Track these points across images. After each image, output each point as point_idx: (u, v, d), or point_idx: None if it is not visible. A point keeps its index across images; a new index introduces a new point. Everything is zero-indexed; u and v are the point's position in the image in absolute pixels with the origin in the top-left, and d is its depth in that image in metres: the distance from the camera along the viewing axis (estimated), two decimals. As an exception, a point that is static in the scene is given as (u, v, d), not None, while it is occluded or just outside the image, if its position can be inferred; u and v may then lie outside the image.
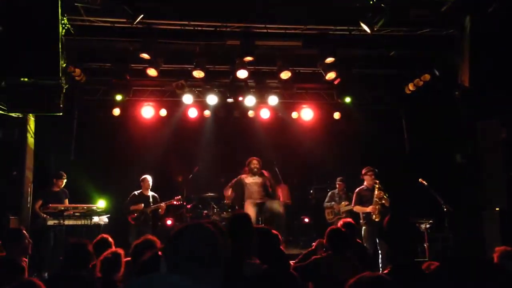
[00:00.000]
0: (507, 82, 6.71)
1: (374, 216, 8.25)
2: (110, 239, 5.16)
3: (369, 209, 8.38)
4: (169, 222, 10.22)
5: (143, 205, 9.03)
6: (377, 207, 8.28)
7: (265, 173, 9.17)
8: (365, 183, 8.69)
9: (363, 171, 8.71)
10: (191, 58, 8.82)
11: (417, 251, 2.97)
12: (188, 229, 1.93)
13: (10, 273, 3.71)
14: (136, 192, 9.20)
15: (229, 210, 10.12)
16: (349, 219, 6.04)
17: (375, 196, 8.34)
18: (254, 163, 9.10)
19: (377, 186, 8.41)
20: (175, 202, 9.45)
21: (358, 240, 6.29)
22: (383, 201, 8.28)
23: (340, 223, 5.95)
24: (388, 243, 2.88)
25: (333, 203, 9.64)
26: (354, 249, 5.36)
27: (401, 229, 2.86)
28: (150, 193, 9.27)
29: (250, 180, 9.02)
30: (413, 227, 3.00)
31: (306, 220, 10.96)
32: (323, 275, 4.12)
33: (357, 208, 8.66)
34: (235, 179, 9.23)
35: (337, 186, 9.79)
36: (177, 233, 1.92)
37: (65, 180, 8.87)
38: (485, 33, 6.87)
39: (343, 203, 9.52)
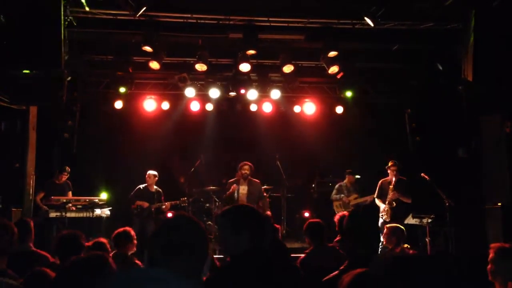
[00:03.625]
0: (511, 77, 6.69)
1: (384, 215, 8.32)
2: (132, 232, 5.17)
3: (382, 207, 8.50)
4: (169, 215, 10.23)
5: (147, 203, 9.02)
6: (386, 208, 8.36)
7: (256, 181, 8.76)
8: (389, 175, 8.73)
9: (389, 164, 8.71)
10: (193, 51, 8.80)
11: (369, 247, 3.12)
12: (167, 222, 1.95)
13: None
14: (141, 186, 9.18)
15: (231, 203, 10.12)
16: (344, 212, 6.02)
17: (388, 196, 8.39)
18: (245, 168, 8.63)
19: (391, 186, 8.45)
20: (182, 205, 9.48)
21: None
22: (394, 204, 8.34)
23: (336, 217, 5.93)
24: (348, 239, 2.98)
25: (342, 195, 9.61)
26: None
27: (356, 227, 2.97)
28: (155, 188, 9.27)
29: (240, 189, 8.59)
30: (368, 225, 3.10)
31: (307, 214, 10.93)
32: (314, 267, 4.12)
33: (377, 201, 8.74)
34: (230, 191, 8.74)
35: (346, 178, 9.78)
36: (158, 227, 1.94)
37: (67, 175, 8.88)
38: (489, 28, 6.84)
39: (352, 195, 9.51)
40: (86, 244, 4.32)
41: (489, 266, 3.33)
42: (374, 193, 8.90)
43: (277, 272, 3.05)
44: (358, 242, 2.90)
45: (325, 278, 2.87)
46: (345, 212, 6.04)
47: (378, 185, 8.80)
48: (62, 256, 3.97)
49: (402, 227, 6.00)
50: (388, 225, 6.11)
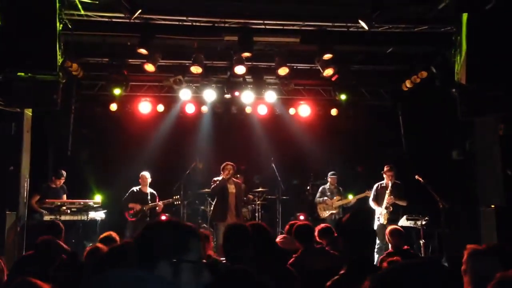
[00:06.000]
0: (504, 79, 6.72)
1: (382, 219, 8.48)
2: (117, 237, 5.15)
3: (378, 210, 8.71)
4: (163, 217, 10.20)
5: (140, 205, 9.03)
6: (384, 212, 8.55)
7: (238, 181, 8.89)
8: (384, 180, 8.92)
9: (384, 169, 8.93)
10: (189, 53, 8.82)
11: (370, 248, 3.13)
12: (150, 225, 1.96)
13: None
14: (135, 189, 9.20)
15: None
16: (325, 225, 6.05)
17: (385, 200, 8.53)
18: (228, 168, 8.66)
19: (388, 191, 8.56)
20: (176, 203, 9.48)
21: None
22: (391, 209, 8.54)
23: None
24: (346, 242, 3.00)
25: (325, 198, 9.69)
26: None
27: (357, 227, 2.98)
28: (149, 190, 9.28)
29: (229, 189, 8.68)
30: (369, 227, 3.13)
31: (302, 217, 10.90)
32: (303, 271, 4.13)
33: (372, 204, 8.97)
34: (218, 182, 8.72)
35: (329, 180, 9.85)
36: (142, 230, 1.94)
37: (63, 180, 8.86)
38: (482, 31, 6.88)
39: (335, 197, 9.60)
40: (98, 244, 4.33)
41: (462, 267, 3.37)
42: (357, 195, 9.41)
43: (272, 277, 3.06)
44: (357, 244, 2.92)
45: (328, 284, 2.87)
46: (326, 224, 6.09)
47: (374, 189, 8.99)
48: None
49: (401, 228, 6.07)
50: (388, 228, 6.16)
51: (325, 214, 9.53)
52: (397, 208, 8.57)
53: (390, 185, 8.67)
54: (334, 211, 9.52)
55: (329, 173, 9.93)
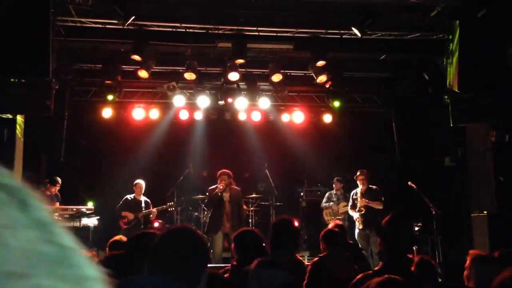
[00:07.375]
0: (496, 86, 6.78)
1: (358, 224, 8.42)
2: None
3: (355, 216, 8.61)
4: (156, 224, 10.16)
5: (133, 213, 8.97)
6: (357, 216, 8.48)
7: (236, 188, 8.70)
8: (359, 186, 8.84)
9: (357, 173, 8.82)
10: (182, 60, 8.83)
11: (408, 252, 3.16)
12: (170, 231, 1.99)
13: None
14: (129, 197, 9.12)
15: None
16: (339, 222, 6.08)
17: (358, 203, 8.48)
18: (223, 178, 8.45)
19: (359, 194, 8.52)
20: (170, 209, 9.44)
21: (350, 241, 6.35)
22: (363, 210, 8.42)
23: (332, 225, 5.98)
24: (384, 242, 3.03)
25: (331, 203, 9.64)
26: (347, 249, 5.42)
27: (398, 230, 3.00)
28: (143, 198, 9.21)
29: (223, 197, 8.51)
30: (411, 230, 3.16)
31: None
32: (324, 273, 4.15)
33: (350, 212, 8.88)
34: (211, 195, 8.60)
35: (334, 185, 9.80)
36: (160, 235, 1.98)
37: (58, 187, 8.78)
38: (474, 38, 6.95)
39: (341, 204, 9.54)
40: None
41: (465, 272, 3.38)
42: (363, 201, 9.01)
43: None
44: (393, 245, 2.94)
45: (358, 277, 2.90)
46: (338, 221, 6.09)
47: (350, 196, 8.90)
48: None
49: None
50: None
51: (331, 219, 9.46)
52: (373, 212, 8.32)
53: (363, 189, 8.62)
54: (339, 217, 9.45)
55: (335, 178, 9.86)
